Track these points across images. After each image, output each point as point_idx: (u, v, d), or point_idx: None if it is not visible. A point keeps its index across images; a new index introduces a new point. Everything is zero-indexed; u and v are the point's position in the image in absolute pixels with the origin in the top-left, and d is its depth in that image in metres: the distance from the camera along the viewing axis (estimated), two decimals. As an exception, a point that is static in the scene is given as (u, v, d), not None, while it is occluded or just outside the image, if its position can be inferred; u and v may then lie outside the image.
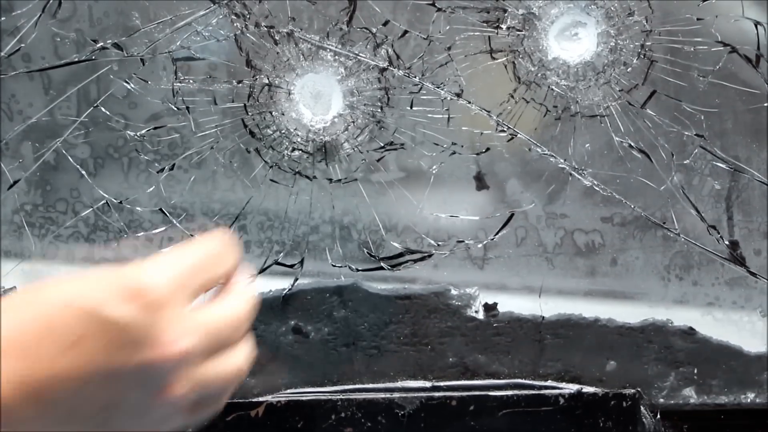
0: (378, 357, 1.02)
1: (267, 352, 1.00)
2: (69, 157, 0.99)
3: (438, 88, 1.01)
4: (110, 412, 0.72)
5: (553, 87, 1.02)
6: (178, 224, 1.00)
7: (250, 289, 0.83)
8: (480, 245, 1.02)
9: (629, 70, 1.02)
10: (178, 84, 0.99)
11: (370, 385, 1.01)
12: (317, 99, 1.00)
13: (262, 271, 1.01)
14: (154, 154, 1.00)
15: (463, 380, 1.02)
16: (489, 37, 1.01)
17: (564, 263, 1.03)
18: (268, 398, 0.99)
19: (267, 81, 0.99)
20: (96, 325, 0.69)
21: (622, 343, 1.03)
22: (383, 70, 1.00)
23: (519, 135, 1.02)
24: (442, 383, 1.02)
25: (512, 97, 1.02)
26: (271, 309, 1.00)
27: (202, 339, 0.76)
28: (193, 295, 0.77)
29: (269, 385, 1.00)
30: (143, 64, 0.99)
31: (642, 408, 1.01)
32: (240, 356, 0.82)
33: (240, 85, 0.99)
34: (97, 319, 0.69)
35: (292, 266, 1.02)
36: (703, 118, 1.02)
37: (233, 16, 0.99)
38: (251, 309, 0.82)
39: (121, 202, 1.00)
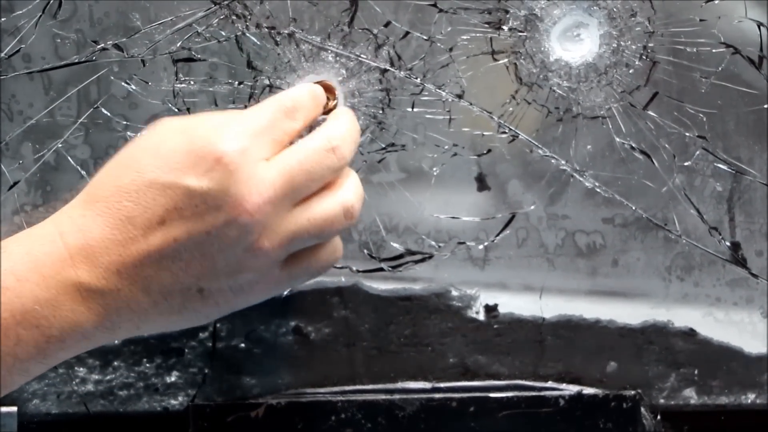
0: (378, 358, 1.02)
1: (267, 352, 1.00)
2: (69, 158, 0.99)
3: (439, 89, 1.01)
4: (206, 279, 0.78)
5: (555, 88, 1.01)
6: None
7: (335, 124, 0.84)
8: (481, 246, 1.02)
9: (631, 71, 1.02)
10: (179, 85, 0.99)
11: (370, 386, 1.01)
12: (318, 100, 1.00)
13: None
14: (155, 155, 1.00)
15: (463, 381, 1.02)
16: (491, 38, 1.01)
17: (565, 264, 1.03)
18: (268, 399, 0.99)
19: (268, 82, 0.99)
20: (178, 199, 0.76)
21: (623, 344, 1.03)
22: (384, 71, 1.00)
23: (520, 136, 1.02)
24: (442, 384, 1.02)
25: (514, 98, 1.01)
26: (271, 310, 1.00)
27: (281, 188, 0.79)
28: (272, 146, 0.80)
29: (269, 386, 1.00)
30: (144, 65, 0.98)
31: (642, 409, 1.02)
32: (331, 201, 0.83)
33: (241, 86, 0.99)
34: (180, 192, 0.76)
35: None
36: (705, 119, 1.02)
37: (234, 17, 0.98)
38: (340, 142, 0.83)
39: (121, 203, 1.00)
